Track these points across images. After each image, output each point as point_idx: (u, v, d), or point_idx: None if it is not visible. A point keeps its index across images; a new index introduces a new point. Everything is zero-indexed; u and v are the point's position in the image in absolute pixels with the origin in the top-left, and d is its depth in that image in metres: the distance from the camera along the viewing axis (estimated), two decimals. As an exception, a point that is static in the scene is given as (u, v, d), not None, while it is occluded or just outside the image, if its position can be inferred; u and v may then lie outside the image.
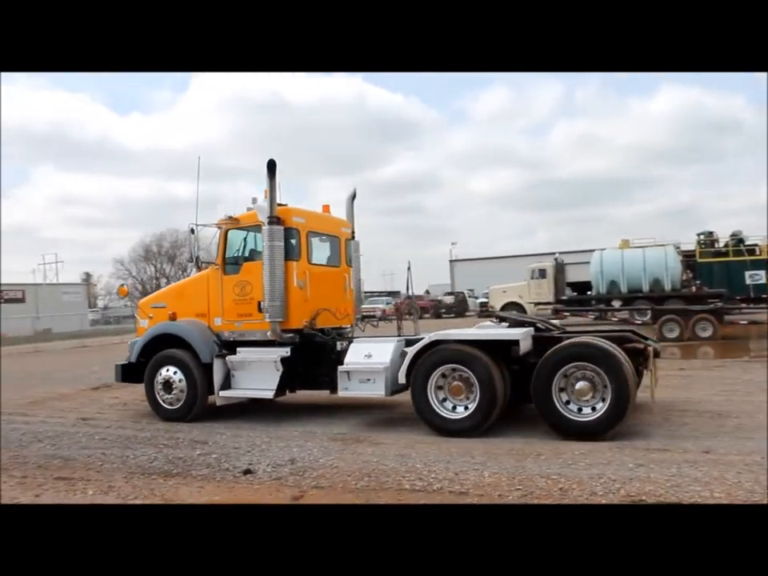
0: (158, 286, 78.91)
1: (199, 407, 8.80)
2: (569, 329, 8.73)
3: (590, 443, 6.68)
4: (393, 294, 72.40)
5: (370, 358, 8.07)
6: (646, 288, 23.31)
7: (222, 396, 8.75)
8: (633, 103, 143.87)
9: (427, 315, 49.71)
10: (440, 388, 7.60)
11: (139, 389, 9.97)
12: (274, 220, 8.43)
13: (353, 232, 10.33)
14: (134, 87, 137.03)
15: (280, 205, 8.74)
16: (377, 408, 9.54)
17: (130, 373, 9.37)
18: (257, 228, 8.83)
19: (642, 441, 6.83)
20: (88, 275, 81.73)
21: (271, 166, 8.40)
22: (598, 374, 6.93)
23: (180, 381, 8.82)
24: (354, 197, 10.55)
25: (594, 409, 6.97)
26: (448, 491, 5.40)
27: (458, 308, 48.90)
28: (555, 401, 7.04)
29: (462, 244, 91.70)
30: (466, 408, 7.43)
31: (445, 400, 7.58)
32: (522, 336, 7.44)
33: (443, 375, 7.58)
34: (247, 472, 6.26)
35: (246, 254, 9.05)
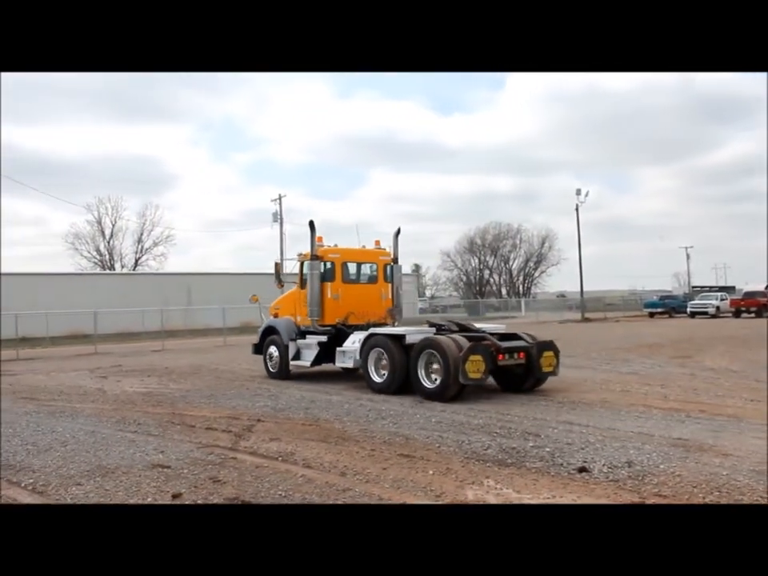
0: (482, 277, 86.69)
1: (284, 371, 14.51)
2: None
3: None
4: (726, 288, 64.50)
5: (353, 344, 12.83)
6: None
7: (292, 364, 14.41)
8: None
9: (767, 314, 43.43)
10: (380, 360, 11.97)
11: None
12: (314, 257, 13.83)
13: (395, 258, 15.00)
14: (455, 90, 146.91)
15: (330, 247, 14.16)
16: (701, 415, 8.94)
17: (257, 348, 15.57)
18: None
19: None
20: (417, 266, 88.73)
21: (311, 224, 13.78)
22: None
23: (276, 354, 14.74)
24: (398, 233, 15.18)
25: (435, 381, 10.80)
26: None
27: None
28: (419, 374, 10.98)
29: (813, 234, 77.87)
30: (384, 375, 11.82)
31: (380, 369, 11.97)
32: (409, 332, 11.54)
33: (382, 353, 11.94)
34: (582, 470, 6.18)
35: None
